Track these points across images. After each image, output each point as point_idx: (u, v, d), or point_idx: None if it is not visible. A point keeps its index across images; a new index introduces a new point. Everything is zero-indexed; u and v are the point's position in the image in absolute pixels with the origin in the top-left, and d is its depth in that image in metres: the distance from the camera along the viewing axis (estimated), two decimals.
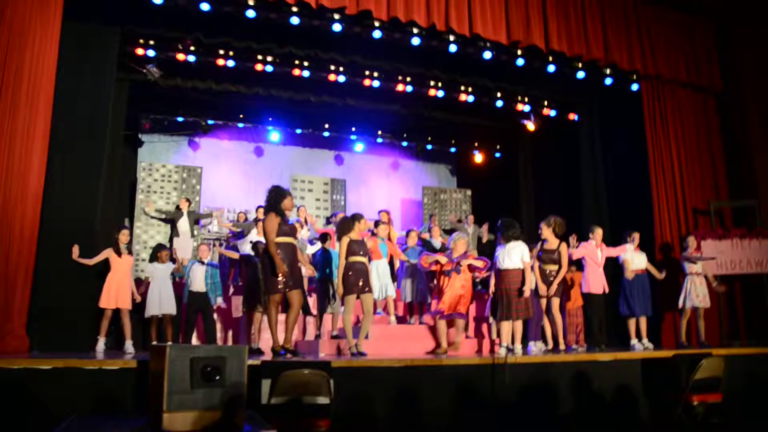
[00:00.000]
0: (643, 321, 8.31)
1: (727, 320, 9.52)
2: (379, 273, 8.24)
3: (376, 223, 8.72)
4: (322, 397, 4.84)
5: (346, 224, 7.19)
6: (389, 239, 9.12)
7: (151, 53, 9.43)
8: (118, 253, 7.69)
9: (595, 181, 11.13)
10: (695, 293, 8.58)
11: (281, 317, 6.78)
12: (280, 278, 6.31)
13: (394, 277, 9.38)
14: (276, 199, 6.47)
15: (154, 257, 8.41)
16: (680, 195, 10.07)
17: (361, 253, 7.05)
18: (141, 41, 9.30)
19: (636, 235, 8.52)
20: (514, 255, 7.26)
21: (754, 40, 10.31)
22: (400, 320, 9.10)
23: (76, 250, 7.42)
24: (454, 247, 7.71)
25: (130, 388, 5.03)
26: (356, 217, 7.31)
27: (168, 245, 10.35)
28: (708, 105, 10.65)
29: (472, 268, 7.68)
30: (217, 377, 4.18)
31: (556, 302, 7.77)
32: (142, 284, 8.36)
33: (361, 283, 6.96)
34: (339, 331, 7.94)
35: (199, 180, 12.07)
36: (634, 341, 8.25)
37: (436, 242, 9.86)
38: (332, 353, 7.42)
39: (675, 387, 6.29)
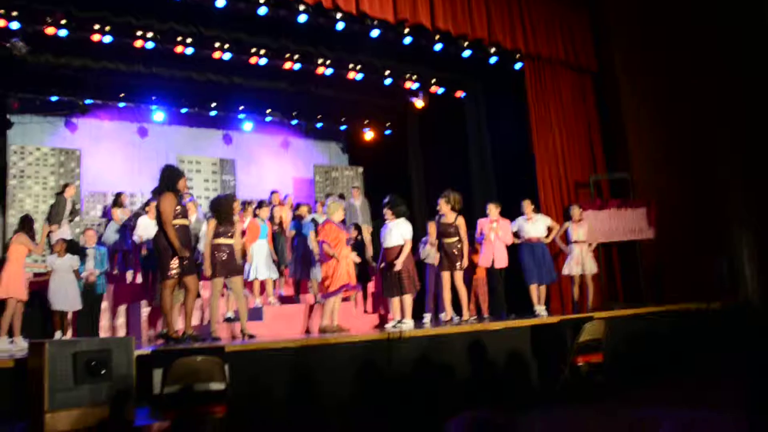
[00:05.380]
0: (542, 288, 8.56)
1: (607, 285, 10.06)
2: (260, 254, 8.16)
3: (260, 204, 8.66)
4: (216, 383, 4.64)
5: (218, 205, 6.97)
6: (281, 222, 9.06)
7: (14, 25, 8.61)
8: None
9: (483, 157, 11.50)
10: (579, 261, 8.90)
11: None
12: (175, 263, 6.12)
13: (283, 257, 9.30)
14: (171, 178, 6.24)
15: (51, 249, 8.06)
16: (562, 169, 10.48)
17: (229, 234, 6.87)
18: (1, 12, 8.46)
19: (525, 203, 8.70)
20: (395, 233, 7.44)
21: (622, 20, 10.83)
22: (288, 299, 9.03)
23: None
24: (332, 213, 7.54)
25: (8, 390, 4.56)
26: (228, 198, 7.18)
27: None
28: (585, 84, 11.14)
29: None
30: (103, 371, 3.98)
31: (459, 275, 7.84)
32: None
33: (227, 266, 6.78)
34: (234, 313, 7.76)
35: (78, 163, 11.37)
36: (536, 307, 8.45)
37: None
38: (227, 337, 7.24)
39: (561, 350, 6.58)
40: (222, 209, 6.87)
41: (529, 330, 6.99)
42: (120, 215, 9.90)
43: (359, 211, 11.36)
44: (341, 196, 12.16)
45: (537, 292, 8.53)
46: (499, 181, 11.19)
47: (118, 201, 10.18)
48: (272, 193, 10.59)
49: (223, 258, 6.74)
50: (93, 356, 3.97)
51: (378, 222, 9.28)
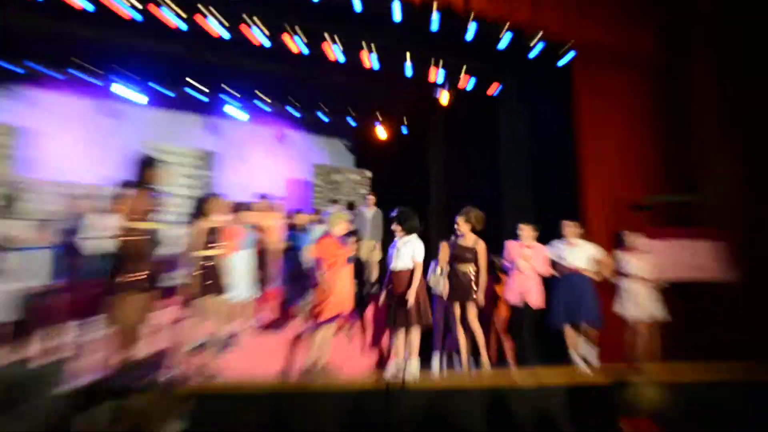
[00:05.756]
0: (590, 331, 8.42)
1: (668, 335, 9.39)
2: (241, 268, 8.09)
3: (238, 207, 8.59)
4: (170, 428, 4.54)
5: (199, 207, 6.99)
6: (263, 229, 8.96)
7: None
8: None
9: (518, 167, 11.46)
10: (637, 301, 8.54)
11: None
12: (131, 275, 6.01)
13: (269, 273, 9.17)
14: (144, 171, 6.25)
15: None
16: (616, 186, 10.15)
17: (216, 244, 6.91)
18: None
19: (567, 225, 8.57)
20: (404, 253, 7.41)
21: (701, 11, 10.48)
22: (268, 327, 8.90)
23: None
24: (333, 225, 7.50)
25: None
26: (211, 198, 7.11)
27: None
28: (650, 84, 10.79)
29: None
30: (20, 405, 3.77)
31: (472, 310, 7.76)
32: None
33: (214, 283, 6.82)
34: (203, 341, 7.58)
35: (26, 144, 11.32)
36: (573, 355, 8.30)
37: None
38: (187, 371, 6.91)
39: (607, 416, 6.09)
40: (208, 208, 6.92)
41: (565, 387, 6.90)
42: (78, 210, 9.67)
43: (369, 223, 11.40)
44: (350, 206, 12.16)
45: (574, 336, 8.36)
46: (537, 197, 11.16)
47: (76, 194, 9.98)
48: (262, 196, 10.32)
49: (213, 272, 6.80)
50: (9, 387, 3.81)
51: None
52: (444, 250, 8.20)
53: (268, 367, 7.50)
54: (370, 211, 11.62)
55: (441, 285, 8.15)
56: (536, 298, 8.30)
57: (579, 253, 8.49)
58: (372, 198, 11.98)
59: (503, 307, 8.83)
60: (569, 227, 8.58)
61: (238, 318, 8.27)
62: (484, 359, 7.79)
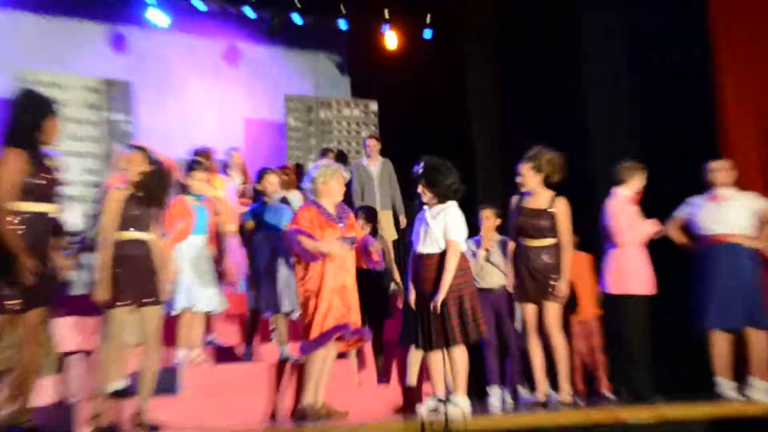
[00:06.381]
0: (758, 337, 8.16)
1: None
2: (193, 263, 7.99)
3: (191, 166, 8.49)
4: None
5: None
6: (211, 199, 8.78)
7: None
8: None
9: (613, 85, 11.54)
10: None
11: None
12: (11, 284, 5.74)
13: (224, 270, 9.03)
14: (25, 119, 5.92)
15: None
16: None
17: (142, 224, 6.61)
18: None
19: (716, 168, 8.31)
20: (437, 228, 7.35)
21: None
22: (228, 353, 9.00)
23: None
24: (319, 191, 7.32)
25: None
26: (134, 153, 6.87)
27: None
28: None
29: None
30: None
31: (553, 311, 7.62)
32: None
33: (141, 285, 6.57)
34: (130, 379, 7.29)
35: None
36: (720, 379, 8.07)
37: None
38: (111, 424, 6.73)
39: None
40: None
41: (704, 428, 7.09)
42: None
43: (376, 182, 11.55)
44: (340, 157, 12.17)
45: (725, 349, 8.16)
46: (646, 128, 11.15)
47: None
48: (197, 152, 10.22)
49: (135, 268, 6.58)
50: None
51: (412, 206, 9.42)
52: (489, 220, 8.61)
53: (231, 415, 7.48)
54: (373, 164, 11.72)
55: (489, 275, 8.57)
56: (649, 283, 8.25)
57: (730, 212, 8.28)
58: (373, 143, 11.97)
59: (588, 306, 9.25)
60: (721, 171, 8.28)
61: (186, 339, 8.08)
62: (564, 389, 7.70)
